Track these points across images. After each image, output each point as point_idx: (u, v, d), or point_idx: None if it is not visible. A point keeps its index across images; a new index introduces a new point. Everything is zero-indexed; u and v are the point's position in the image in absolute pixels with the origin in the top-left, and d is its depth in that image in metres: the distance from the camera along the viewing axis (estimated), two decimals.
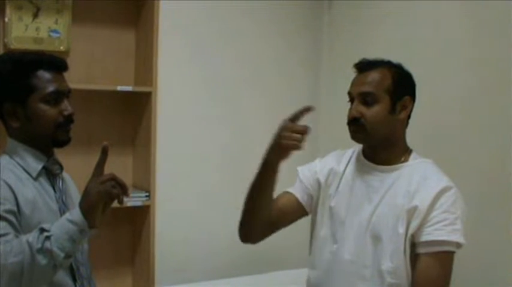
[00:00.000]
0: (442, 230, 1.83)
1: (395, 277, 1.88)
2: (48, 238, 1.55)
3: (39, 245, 1.54)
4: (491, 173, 2.54)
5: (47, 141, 1.80)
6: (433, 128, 2.78)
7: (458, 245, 1.86)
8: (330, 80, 3.44)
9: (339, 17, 3.43)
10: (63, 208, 1.80)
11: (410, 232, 1.86)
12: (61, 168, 1.88)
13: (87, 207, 1.60)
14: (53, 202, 1.78)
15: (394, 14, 3.04)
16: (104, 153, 1.68)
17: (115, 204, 1.66)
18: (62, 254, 1.56)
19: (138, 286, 2.91)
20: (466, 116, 2.65)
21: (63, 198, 1.83)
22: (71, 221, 1.59)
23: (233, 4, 3.21)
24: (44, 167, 1.80)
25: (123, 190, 1.64)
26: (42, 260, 1.54)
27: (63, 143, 1.83)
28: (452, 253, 1.86)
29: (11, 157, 1.77)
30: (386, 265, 1.89)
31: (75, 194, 1.93)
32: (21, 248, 1.53)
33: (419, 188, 1.89)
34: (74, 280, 1.78)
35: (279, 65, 3.40)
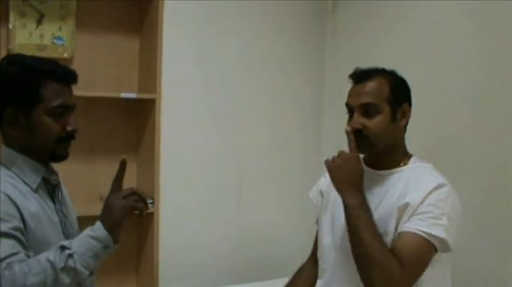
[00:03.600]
0: (424, 221, 1.79)
1: None
2: (71, 255, 1.51)
3: (62, 264, 1.49)
4: (492, 176, 2.54)
5: (44, 154, 1.72)
6: (436, 132, 2.78)
7: (440, 241, 1.79)
8: (334, 86, 3.43)
9: (342, 21, 3.42)
10: (63, 220, 1.75)
11: (399, 229, 1.84)
12: (58, 178, 1.82)
13: (112, 223, 1.58)
14: (54, 214, 1.73)
15: (398, 18, 3.03)
16: (122, 167, 1.65)
17: None
18: (87, 272, 1.53)
19: None
20: (468, 120, 2.65)
21: (63, 209, 1.78)
22: (94, 238, 1.55)
23: (237, 9, 3.21)
24: (42, 178, 1.73)
25: (144, 203, 1.63)
26: (65, 279, 1.50)
27: (60, 158, 1.75)
28: (430, 243, 1.79)
29: (8, 168, 1.67)
30: None
31: (69, 202, 1.88)
32: (42, 267, 1.48)
33: (413, 188, 1.87)
34: None
35: (283, 70, 3.39)
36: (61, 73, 1.71)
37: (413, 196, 1.84)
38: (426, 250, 1.79)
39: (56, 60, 1.78)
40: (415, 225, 1.79)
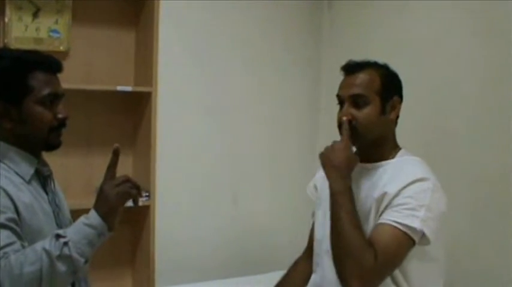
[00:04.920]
0: (400, 212, 1.77)
1: None
2: (66, 244, 1.51)
3: (58, 252, 1.50)
4: (491, 174, 2.54)
5: (38, 144, 1.74)
6: (433, 128, 2.78)
7: (416, 232, 1.75)
8: (330, 81, 3.43)
9: (339, 18, 3.43)
10: (56, 210, 1.77)
11: (377, 220, 1.83)
12: (50, 169, 1.83)
13: (107, 210, 1.58)
14: (47, 204, 1.74)
15: (394, 14, 3.04)
16: (115, 155, 1.66)
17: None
18: (82, 260, 1.53)
19: None
20: (466, 116, 2.65)
21: (56, 200, 1.79)
22: (89, 226, 1.56)
23: (233, 5, 3.21)
24: (34, 170, 1.74)
25: (138, 190, 1.64)
26: (61, 267, 1.50)
27: (54, 147, 1.77)
28: (406, 235, 1.75)
29: (0, 160, 1.68)
30: None
31: (61, 193, 1.89)
32: (37, 256, 1.49)
33: (393, 179, 1.86)
34: (73, 281, 1.75)
35: (278, 65, 3.40)
36: (47, 63, 1.74)
37: (391, 187, 1.83)
38: (402, 242, 1.76)
39: (42, 51, 1.80)
40: (391, 217, 1.78)
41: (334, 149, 1.88)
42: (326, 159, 1.89)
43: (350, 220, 1.77)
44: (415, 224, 1.75)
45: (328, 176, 1.87)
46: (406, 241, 1.77)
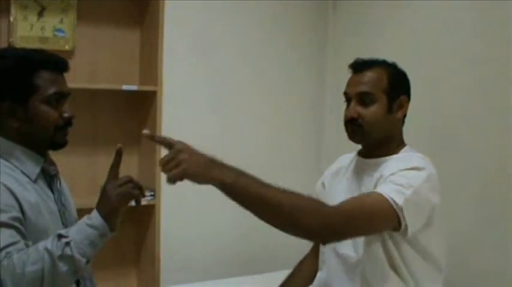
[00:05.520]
0: (388, 185, 1.74)
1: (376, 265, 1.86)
2: (67, 244, 1.52)
3: (59, 252, 1.51)
4: (491, 173, 2.55)
5: (44, 143, 1.74)
6: (434, 128, 2.79)
7: (398, 206, 1.70)
8: (335, 80, 3.43)
9: (343, 17, 3.43)
10: (62, 209, 1.77)
11: None
12: (56, 168, 1.83)
13: (109, 210, 1.59)
14: (53, 204, 1.74)
15: (399, 14, 3.04)
16: (118, 155, 1.67)
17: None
18: (84, 260, 1.54)
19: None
20: (467, 115, 2.66)
21: (62, 199, 1.79)
22: (91, 226, 1.57)
23: (238, 4, 3.21)
24: (41, 169, 1.74)
25: (141, 190, 1.65)
26: (63, 267, 1.51)
27: (60, 146, 1.77)
28: (387, 204, 1.69)
29: (6, 159, 1.68)
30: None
31: (68, 192, 1.90)
32: (39, 256, 1.50)
33: (390, 166, 1.85)
34: (77, 280, 1.75)
35: (283, 65, 3.40)
36: (53, 62, 1.74)
37: (387, 171, 1.82)
38: (383, 207, 1.70)
39: (48, 50, 1.79)
40: (379, 188, 1.75)
41: (189, 152, 1.71)
42: (192, 164, 1.66)
43: (267, 186, 1.63)
44: (399, 200, 1.69)
45: (212, 175, 1.67)
46: (386, 209, 1.70)
